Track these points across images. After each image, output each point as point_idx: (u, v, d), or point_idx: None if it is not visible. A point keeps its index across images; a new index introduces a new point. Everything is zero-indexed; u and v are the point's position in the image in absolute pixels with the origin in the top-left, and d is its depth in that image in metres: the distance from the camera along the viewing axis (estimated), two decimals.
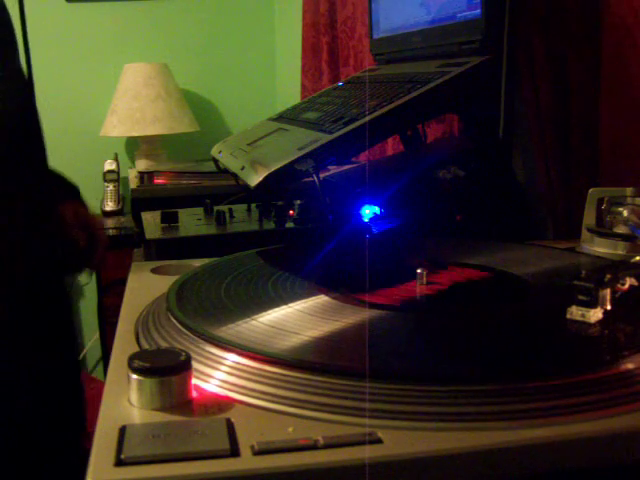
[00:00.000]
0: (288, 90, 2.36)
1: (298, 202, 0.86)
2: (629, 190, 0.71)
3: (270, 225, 0.85)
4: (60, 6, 2.43)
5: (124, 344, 0.49)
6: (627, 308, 0.49)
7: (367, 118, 0.80)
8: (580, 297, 0.47)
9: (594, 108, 0.86)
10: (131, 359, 0.39)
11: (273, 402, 0.39)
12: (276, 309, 0.52)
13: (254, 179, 0.75)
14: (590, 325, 0.46)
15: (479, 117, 0.94)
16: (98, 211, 2.10)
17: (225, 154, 0.95)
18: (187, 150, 2.38)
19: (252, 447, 0.34)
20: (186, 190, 1.36)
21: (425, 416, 0.37)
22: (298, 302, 0.53)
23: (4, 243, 0.65)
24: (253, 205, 0.94)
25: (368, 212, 0.83)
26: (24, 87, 0.74)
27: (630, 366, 0.41)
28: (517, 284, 0.59)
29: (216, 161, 0.98)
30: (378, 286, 0.58)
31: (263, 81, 2.61)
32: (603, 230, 0.72)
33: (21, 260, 0.66)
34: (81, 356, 2.28)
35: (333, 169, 1.15)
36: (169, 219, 0.86)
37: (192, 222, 0.87)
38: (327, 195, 0.86)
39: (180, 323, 0.49)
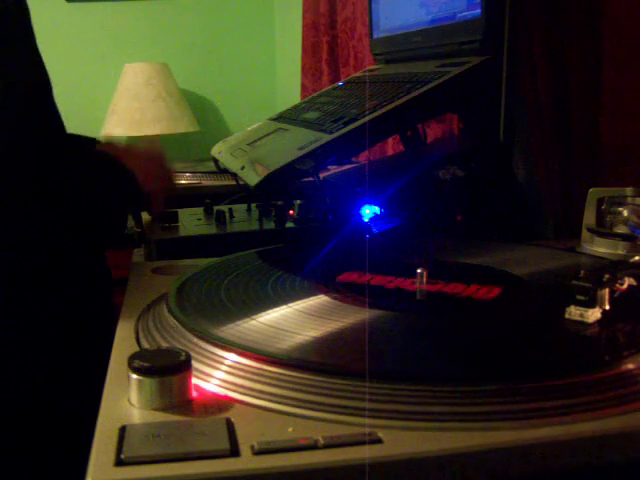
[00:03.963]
0: (288, 90, 2.36)
1: (298, 202, 0.87)
2: (629, 190, 0.71)
3: (270, 225, 0.85)
4: (60, 6, 2.43)
5: (124, 344, 0.49)
6: (626, 308, 0.49)
7: (367, 118, 0.80)
8: (579, 297, 0.47)
9: (594, 108, 0.86)
10: (131, 359, 0.39)
11: (273, 402, 0.39)
12: (276, 309, 0.52)
13: (254, 179, 0.75)
14: (589, 325, 0.46)
15: (479, 117, 0.94)
16: None
17: (225, 154, 0.95)
18: (187, 150, 2.39)
19: (252, 447, 0.34)
20: (186, 190, 1.36)
21: (425, 416, 0.37)
22: (298, 302, 0.53)
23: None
24: (253, 205, 0.94)
25: (368, 212, 0.84)
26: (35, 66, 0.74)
27: (629, 366, 0.41)
28: (517, 284, 0.59)
29: (216, 161, 0.98)
30: (378, 286, 0.58)
31: (263, 81, 2.61)
32: (603, 230, 0.72)
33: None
34: None
35: (333, 169, 1.15)
36: (169, 219, 0.86)
37: (192, 222, 0.87)
38: (327, 195, 0.86)
39: (180, 323, 0.49)
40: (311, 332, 0.47)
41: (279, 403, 0.39)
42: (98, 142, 0.88)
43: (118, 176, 0.73)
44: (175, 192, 0.84)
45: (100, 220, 0.73)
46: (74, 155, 0.72)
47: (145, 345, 0.49)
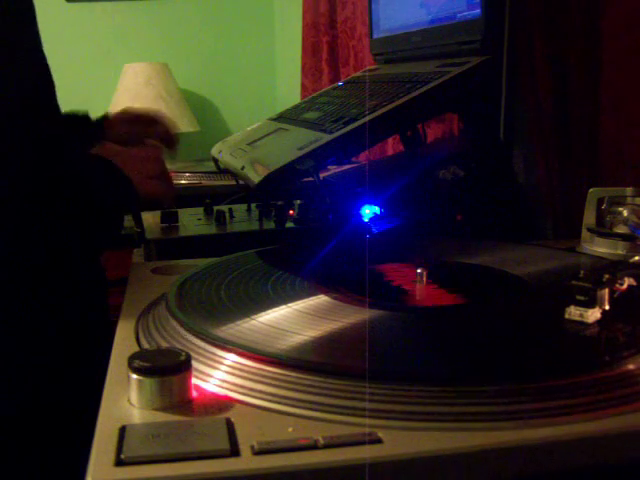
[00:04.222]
0: (288, 90, 2.36)
1: (298, 202, 0.87)
2: (629, 190, 0.71)
3: (270, 225, 0.85)
4: (60, 6, 2.43)
5: (124, 344, 0.49)
6: (625, 308, 0.49)
7: (367, 118, 0.80)
8: (578, 297, 0.47)
9: (594, 108, 0.86)
10: (131, 359, 0.39)
11: (273, 402, 0.39)
12: (276, 309, 0.52)
13: (254, 179, 0.75)
14: (588, 325, 0.46)
15: (479, 117, 0.94)
16: None
17: (225, 154, 0.95)
18: (187, 150, 2.38)
19: (252, 447, 0.34)
20: (186, 190, 1.36)
21: (425, 416, 0.37)
22: (298, 302, 0.53)
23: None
24: (253, 205, 0.94)
25: (368, 212, 0.84)
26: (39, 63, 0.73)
27: (629, 366, 0.41)
28: (517, 284, 0.59)
29: (216, 161, 0.98)
30: (378, 286, 0.58)
31: (263, 81, 2.61)
32: (603, 230, 0.72)
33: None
34: None
35: (333, 169, 1.15)
36: (169, 219, 0.86)
37: (192, 222, 0.87)
38: (327, 195, 0.86)
39: (180, 323, 0.49)
40: (311, 332, 0.47)
41: (279, 403, 0.39)
42: (90, 121, 0.87)
43: (113, 180, 0.73)
44: (173, 193, 0.84)
45: (96, 222, 0.72)
46: (72, 154, 0.72)
47: (145, 345, 0.49)
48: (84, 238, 0.72)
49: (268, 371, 0.41)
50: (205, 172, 1.43)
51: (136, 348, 0.48)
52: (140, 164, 0.77)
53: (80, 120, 0.93)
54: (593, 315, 0.47)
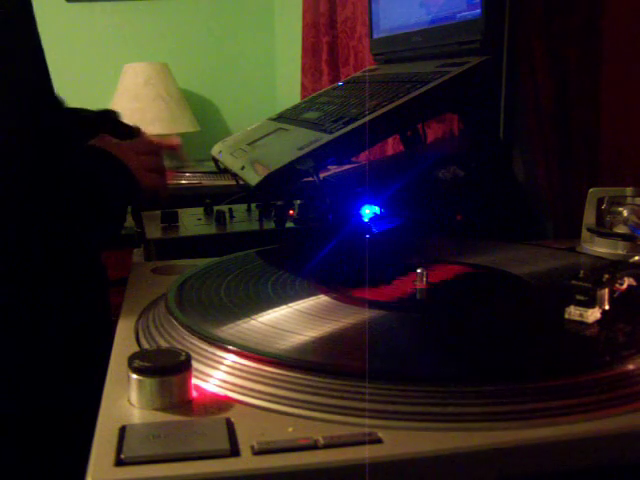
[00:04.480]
0: (288, 90, 2.36)
1: (298, 202, 0.87)
2: (629, 190, 0.71)
3: (270, 225, 0.85)
4: (60, 6, 2.43)
5: (124, 344, 0.49)
6: (625, 308, 0.49)
7: (367, 118, 0.80)
8: (578, 297, 0.47)
9: (594, 108, 0.86)
10: (131, 359, 0.39)
11: (273, 402, 0.39)
12: (276, 309, 0.52)
13: (254, 179, 0.75)
14: (588, 325, 0.46)
15: (479, 117, 0.94)
16: None
17: (225, 154, 0.95)
18: (187, 150, 2.38)
19: (252, 447, 0.34)
20: (186, 190, 1.36)
21: (425, 416, 0.37)
22: (298, 302, 0.53)
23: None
24: (253, 205, 0.94)
25: (368, 212, 0.84)
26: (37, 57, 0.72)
27: (629, 366, 0.41)
28: (517, 284, 0.59)
29: (216, 161, 0.98)
30: (378, 286, 0.58)
31: (263, 81, 2.61)
32: (603, 230, 0.72)
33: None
34: None
35: (333, 169, 1.15)
36: (169, 219, 0.86)
37: (192, 222, 0.87)
38: (327, 195, 0.86)
39: (180, 323, 0.49)
40: (311, 332, 0.47)
41: (279, 403, 0.39)
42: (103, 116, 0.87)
43: (114, 170, 0.73)
44: (166, 189, 0.84)
45: (98, 214, 0.72)
46: (72, 147, 0.72)
47: (145, 345, 0.49)
48: (86, 233, 0.71)
49: (268, 371, 0.41)
50: (205, 172, 1.44)
51: (136, 348, 0.48)
52: (139, 156, 0.77)
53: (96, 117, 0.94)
54: (593, 315, 0.47)
